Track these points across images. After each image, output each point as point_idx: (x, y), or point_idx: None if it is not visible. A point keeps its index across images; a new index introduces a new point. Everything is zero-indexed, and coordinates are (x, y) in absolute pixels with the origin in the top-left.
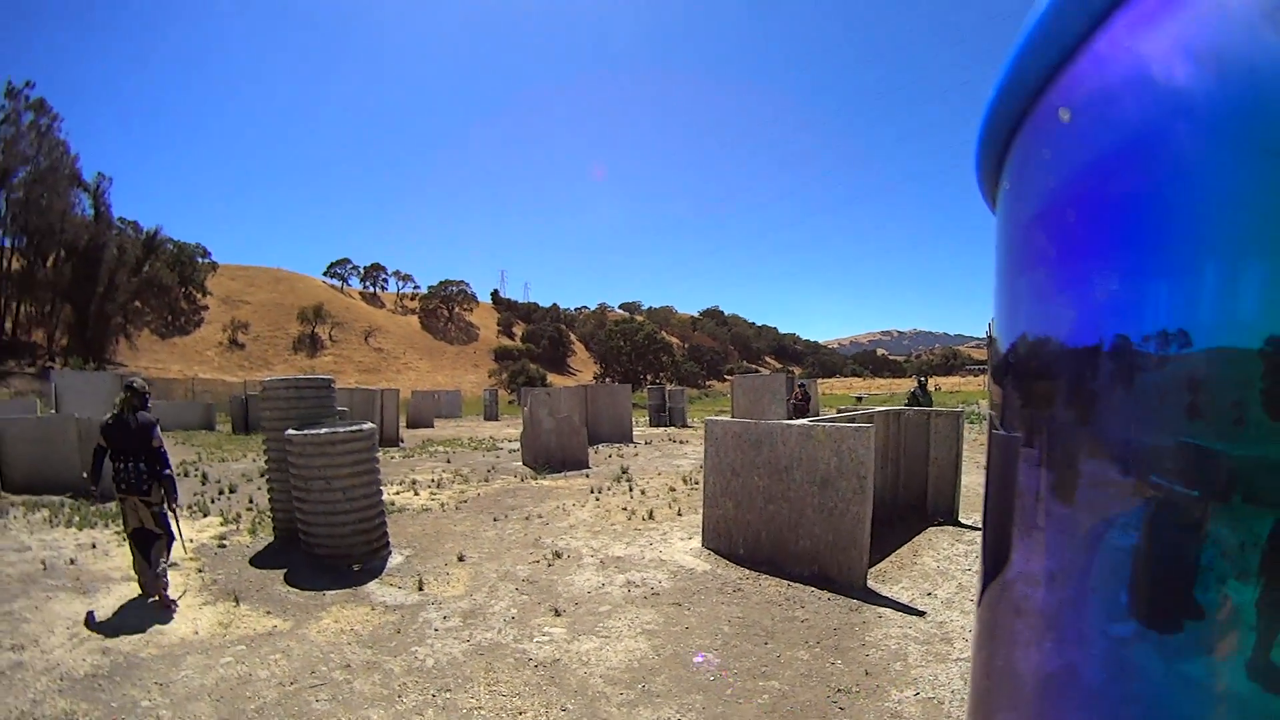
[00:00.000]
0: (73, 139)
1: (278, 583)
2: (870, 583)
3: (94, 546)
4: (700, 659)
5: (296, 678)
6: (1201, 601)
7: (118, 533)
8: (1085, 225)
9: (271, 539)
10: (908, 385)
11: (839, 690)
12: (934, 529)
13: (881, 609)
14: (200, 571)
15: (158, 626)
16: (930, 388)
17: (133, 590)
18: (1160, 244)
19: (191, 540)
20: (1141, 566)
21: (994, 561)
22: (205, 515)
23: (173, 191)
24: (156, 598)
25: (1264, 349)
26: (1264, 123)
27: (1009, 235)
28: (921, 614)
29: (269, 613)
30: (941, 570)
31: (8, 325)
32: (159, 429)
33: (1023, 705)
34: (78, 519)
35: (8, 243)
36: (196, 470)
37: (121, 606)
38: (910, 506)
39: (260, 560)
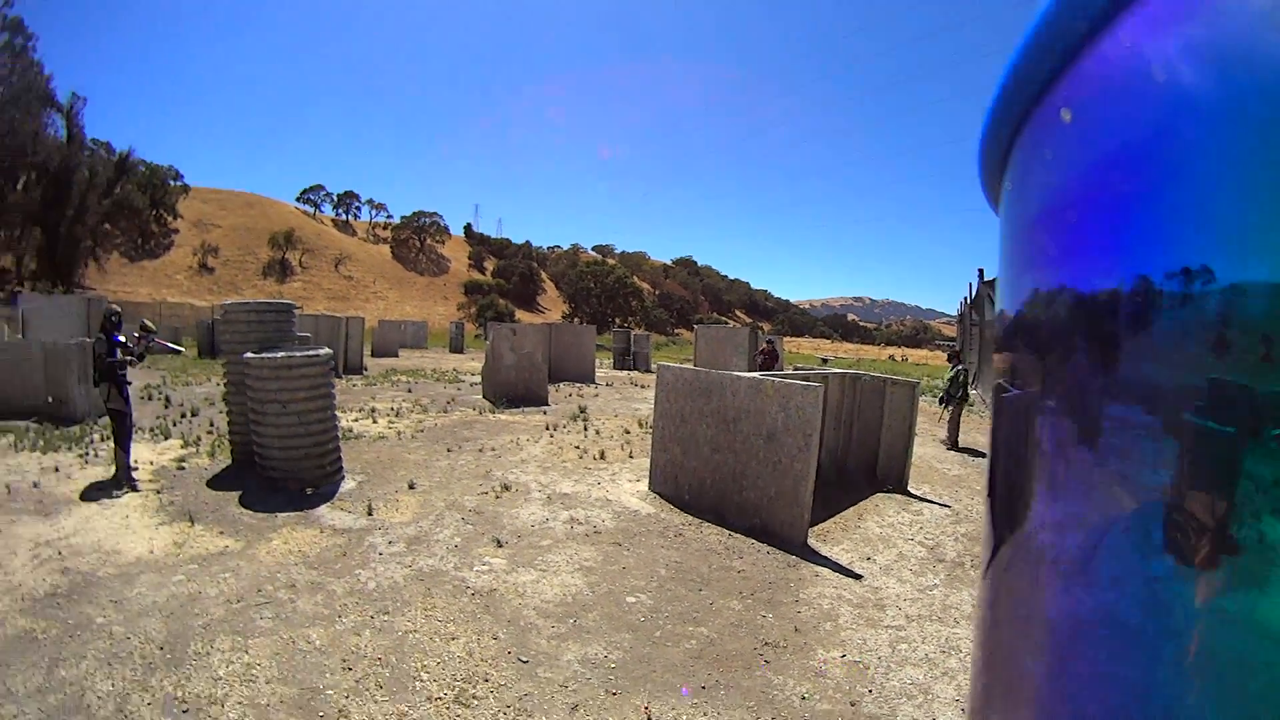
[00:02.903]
0: (47, 59)
1: (232, 504)
2: (811, 541)
3: (57, 470)
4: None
5: (243, 596)
6: (1237, 537)
7: (80, 455)
8: (1088, 225)
9: (229, 462)
10: (874, 353)
11: (766, 644)
12: (882, 495)
13: (819, 568)
14: (159, 493)
15: (115, 546)
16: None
17: (94, 511)
18: (1164, 244)
19: (151, 463)
20: (1175, 504)
21: (1008, 519)
22: (166, 438)
23: (147, 113)
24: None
25: None
26: (1269, 122)
27: (1012, 235)
28: (858, 577)
29: (222, 533)
30: (884, 537)
31: None
32: (101, 346)
33: (1052, 650)
34: (42, 443)
35: None
36: (160, 394)
37: (81, 528)
38: (861, 471)
39: (217, 483)
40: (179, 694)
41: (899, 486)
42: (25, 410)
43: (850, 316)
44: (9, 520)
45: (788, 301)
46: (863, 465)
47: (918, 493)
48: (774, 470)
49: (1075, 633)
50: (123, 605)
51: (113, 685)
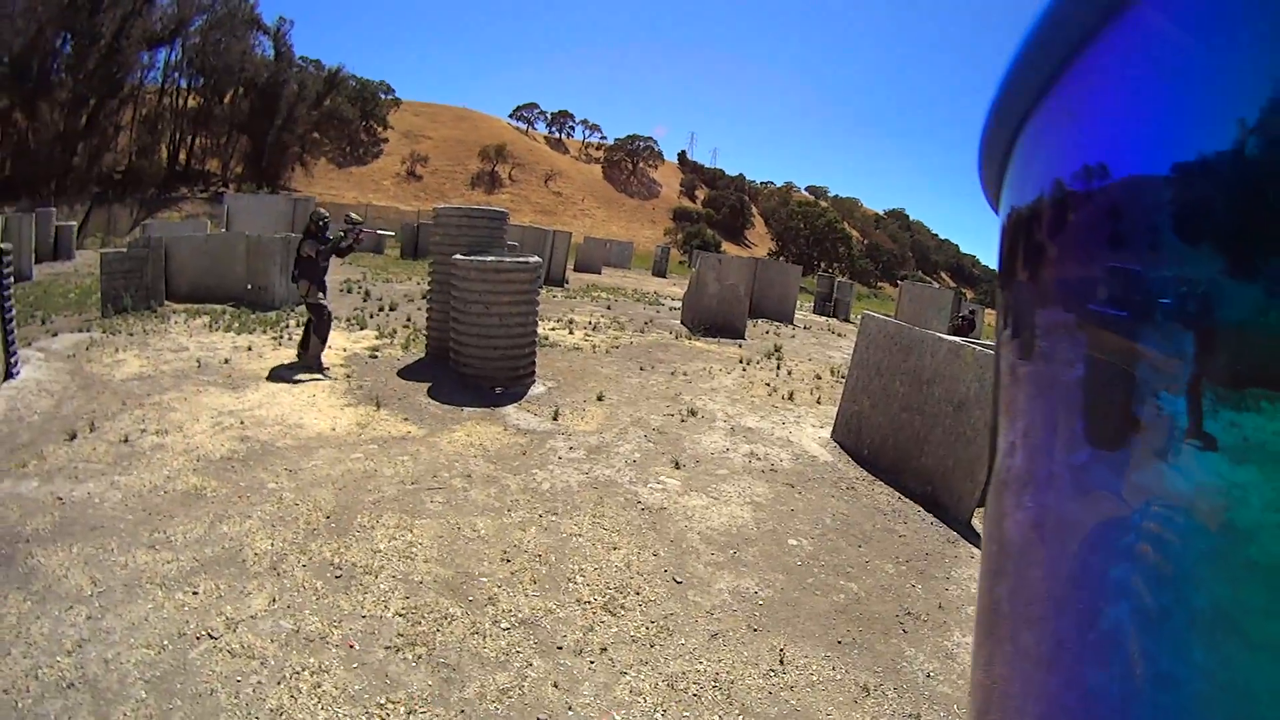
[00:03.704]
0: None
1: (420, 394)
2: (975, 520)
3: (249, 349)
4: None
5: (418, 479)
6: (1139, 415)
7: (275, 338)
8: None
9: (422, 355)
10: None
11: (909, 613)
12: None
13: (976, 550)
14: (349, 377)
15: (298, 421)
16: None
17: (281, 389)
18: (1074, 146)
19: (345, 349)
20: (1089, 394)
21: (990, 456)
22: (362, 328)
23: (358, 32)
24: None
25: (1170, 175)
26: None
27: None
28: None
29: (406, 419)
30: None
31: (182, 156)
32: (309, 247)
33: (1011, 570)
34: (237, 325)
35: (185, 83)
36: (360, 288)
37: (266, 402)
38: None
39: (408, 373)
40: (336, 560)
41: None
42: (225, 297)
43: None
44: (195, 390)
45: (994, 271)
46: None
47: None
48: (956, 441)
49: (1022, 544)
50: (296, 474)
51: (271, 545)
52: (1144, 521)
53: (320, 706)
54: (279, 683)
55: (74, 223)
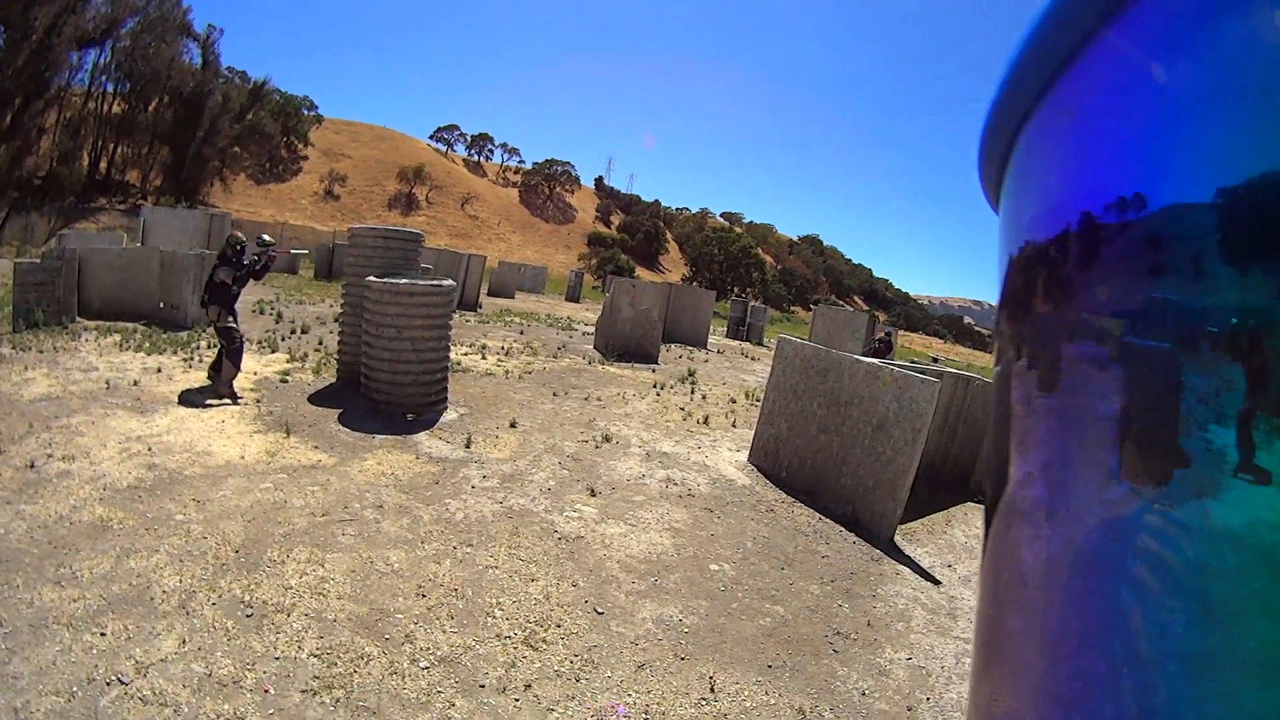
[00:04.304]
0: None
1: (331, 421)
2: (898, 538)
3: (159, 370)
4: (622, 711)
5: (329, 510)
6: (1185, 449)
7: (185, 360)
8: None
9: (334, 380)
10: (986, 360)
11: (838, 633)
12: (973, 505)
13: (901, 566)
14: (259, 403)
15: (207, 449)
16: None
17: (190, 414)
18: (1104, 177)
19: (255, 374)
20: (1126, 429)
21: (996, 485)
22: (274, 351)
23: (283, 44)
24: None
25: (1215, 201)
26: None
27: (1009, 236)
28: (937, 583)
29: (316, 447)
30: (968, 547)
31: (102, 165)
32: (224, 273)
33: (1026, 599)
34: (148, 345)
35: (110, 88)
36: (272, 309)
37: (175, 427)
38: (956, 477)
39: (318, 399)
40: (246, 597)
41: None
42: (137, 314)
43: (966, 320)
44: (104, 413)
45: (907, 295)
46: (959, 471)
47: None
48: (876, 461)
49: (1044, 577)
50: (205, 505)
51: (180, 581)
52: (1188, 559)
53: None
54: None
55: None
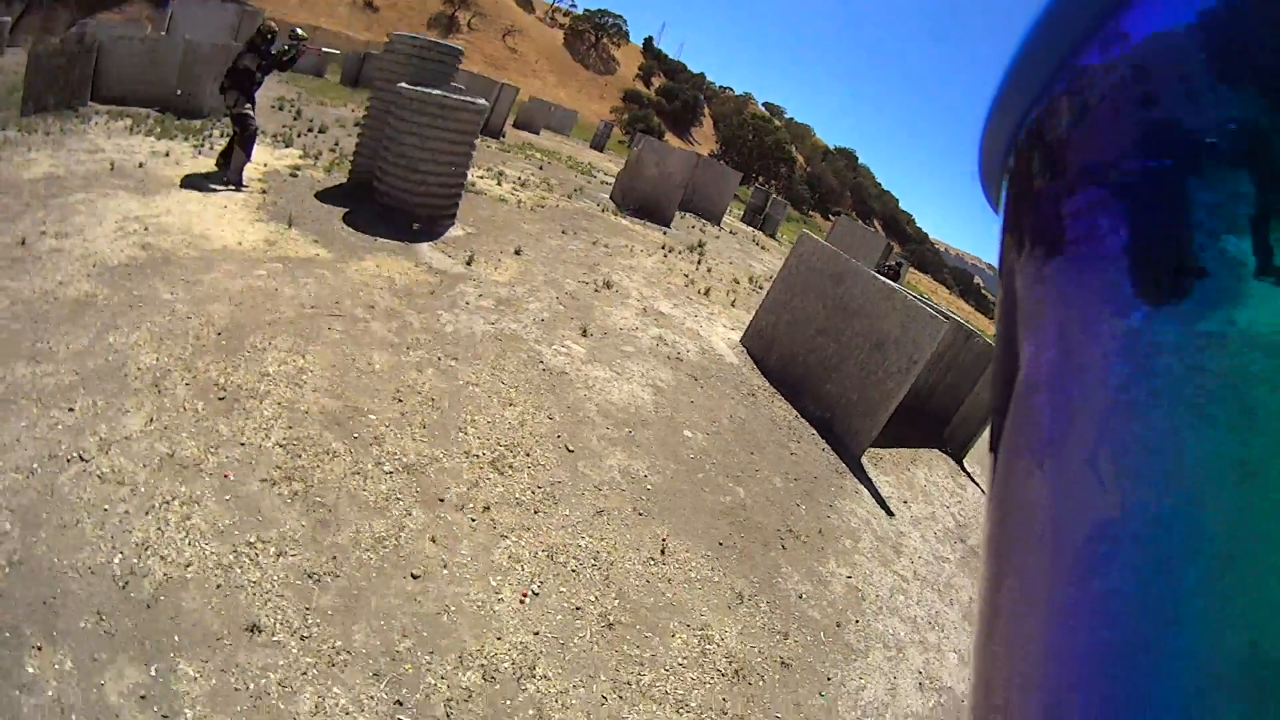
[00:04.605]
0: None
1: (335, 219)
2: (865, 459)
3: (167, 155)
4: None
5: (319, 304)
6: (1201, 260)
7: (195, 145)
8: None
9: (344, 181)
10: (984, 324)
11: (790, 531)
12: (939, 454)
13: (861, 486)
14: (264, 193)
15: (204, 232)
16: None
17: (193, 198)
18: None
19: (265, 164)
20: (1138, 252)
21: (1005, 380)
22: (287, 146)
23: None
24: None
25: (1197, 21)
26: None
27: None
28: (891, 514)
29: (316, 242)
30: (925, 491)
31: None
32: (249, 59)
33: (1048, 436)
34: (159, 130)
35: None
36: (292, 107)
37: (175, 210)
38: (931, 422)
39: (326, 197)
40: (221, 380)
41: (957, 455)
42: (152, 101)
43: (976, 280)
44: (104, 193)
45: (925, 234)
46: (935, 417)
47: (971, 471)
48: (866, 378)
49: (1058, 437)
50: (194, 287)
51: (157, 360)
52: (1218, 369)
53: (188, 542)
54: (147, 513)
55: (8, 19)
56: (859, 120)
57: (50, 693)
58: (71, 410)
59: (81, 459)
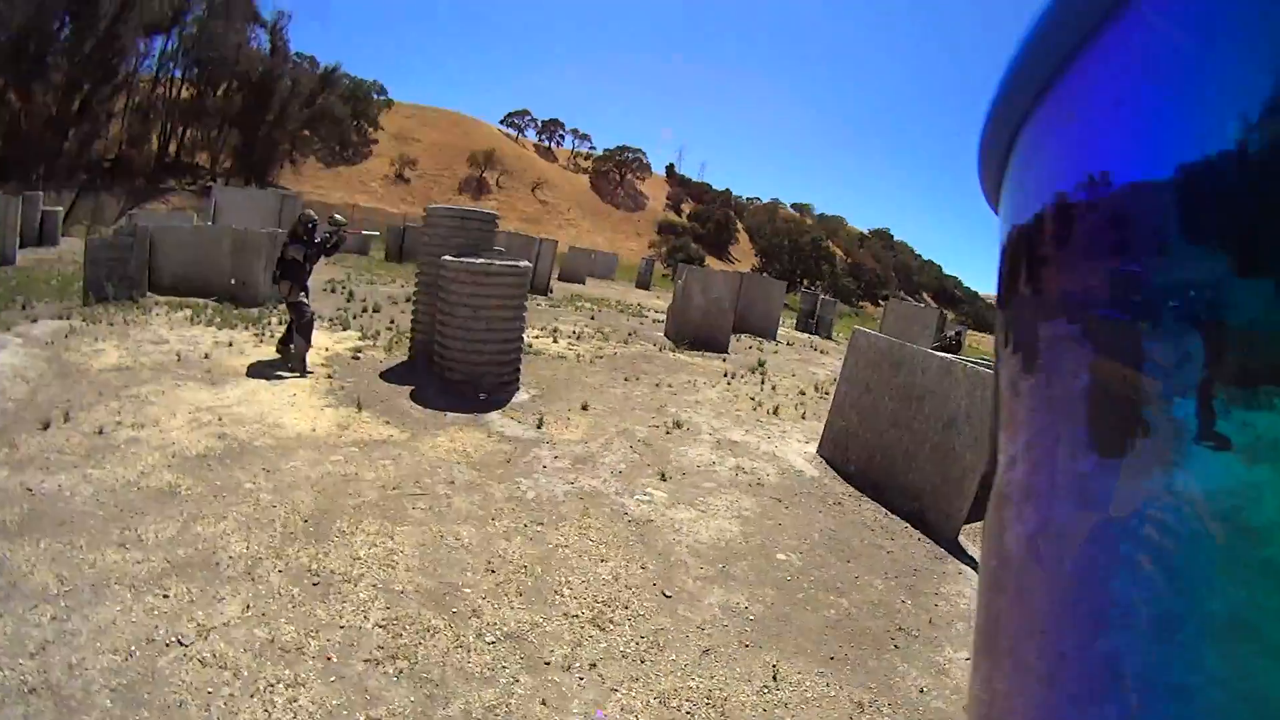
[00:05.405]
0: None
1: (403, 398)
2: (961, 538)
3: (230, 344)
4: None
5: (400, 484)
6: (1147, 418)
7: (256, 334)
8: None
9: (405, 358)
10: None
11: (900, 629)
12: None
13: (964, 566)
14: (330, 378)
15: (277, 421)
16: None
17: (261, 386)
18: (1077, 157)
19: (326, 349)
20: (1094, 402)
21: (990, 474)
22: (345, 329)
23: (353, 29)
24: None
25: (1173, 177)
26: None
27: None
28: None
29: (388, 423)
30: None
31: (172, 148)
32: (295, 250)
33: (1011, 581)
34: (219, 319)
35: (179, 74)
36: (344, 289)
37: (245, 399)
38: None
39: (390, 376)
40: (314, 566)
41: None
42: (208, 291)
43: None
44: (174, 384)
45: (976, 293)
46: None
47: None
48: (945, 457)
49: (1025, 554)
50: (274, 475)
51: (247, 548)
52: (1151, 527)
53: None
54: (252, 695)
55: (60, 209)
56: (886, 192)
57: None
58: (166, 597)
59: (180, 643)
